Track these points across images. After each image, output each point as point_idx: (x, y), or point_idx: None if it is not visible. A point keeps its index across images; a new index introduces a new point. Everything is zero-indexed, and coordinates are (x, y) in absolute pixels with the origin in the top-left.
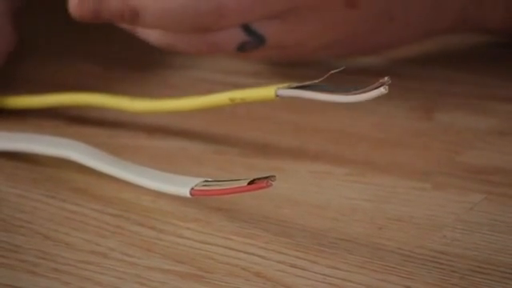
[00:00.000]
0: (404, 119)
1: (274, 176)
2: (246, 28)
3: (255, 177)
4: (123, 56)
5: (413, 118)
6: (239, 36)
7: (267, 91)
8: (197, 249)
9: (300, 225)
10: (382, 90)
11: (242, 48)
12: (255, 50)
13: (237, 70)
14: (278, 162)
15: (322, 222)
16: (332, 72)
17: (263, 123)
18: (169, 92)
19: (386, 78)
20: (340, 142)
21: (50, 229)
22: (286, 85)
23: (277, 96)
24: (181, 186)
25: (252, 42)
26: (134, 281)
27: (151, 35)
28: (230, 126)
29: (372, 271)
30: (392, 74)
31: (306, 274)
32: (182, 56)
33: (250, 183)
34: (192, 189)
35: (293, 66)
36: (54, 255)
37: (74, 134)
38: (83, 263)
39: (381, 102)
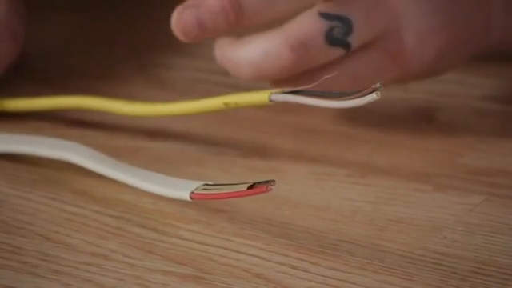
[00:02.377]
0: (405, 121)
1: (274, 180)
2: (324, 15)
3: (255, 180)
4: (122, 57)
5: (413, 119)
6: (321, 23)
7: (261, 96)
8: (197, 250)
9: (301, 226)
10: (374, 96)
11: (330, 36)
12: (346, 37)
13: None
14: (279, 164)
15: (323, 223)
16: (325, 77)
17: (264, 125)
18: (166, 93)
19: (378, 84)
20: (340, 143)
21: (51, 230)
22: (279, 89)
23: (270, 101)
24: (181, 189)
25: (338, 25)
26: (134, 282)
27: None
28: (230, 127)
29: (373, 272)
30: None
31: (306, 275)
32: (180, 56)
33: (249, 187)
34: (192, 192)
35: None
36: (55, 257)
37: (74, 136)
38: (84, 265)
39: (381, 103)
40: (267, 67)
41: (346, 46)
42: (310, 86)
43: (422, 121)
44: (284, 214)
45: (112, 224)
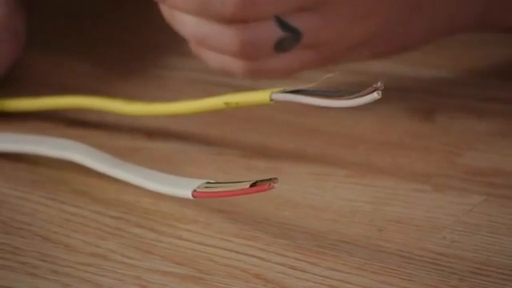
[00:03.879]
0: (404, 121)
1: (276, 178)
2: (280, 22)
3: (257, 179)
4: (122, 57)
5: (413, 119)
6: (275, 31)
7: (262, 95)
8: (196, 250)
9: (300, 226)
10: (376, 95)
11: (279, 46)
12: (293, 48)
13: None
14: (278, 164)
15: (322, 223)
16: (327, 76)
17: (263, 124)
18: (166, 93)
19: (379, 83)
20: (340, 143)
21: (50, 231)
22: (280, 89)
23: (271, 100)
24: (183, 187)
25: (288, 37)
26: (133, 283)
27: (186, 25)
28: (229, 127)
29: (372, 273)
30: (392, 75)
31: (305, 275)
32: (180, 57)
33: (252, 185)
34: (194, 191)
35: None
36: (54, 257)
37: (75, 136)
38: (83, 265)
39: (381, 103)
40: (205, 42)
41: (287, 51)
42: (311, 85)
43: (422, 121)
44: (283, 214)
45: (111, 224)
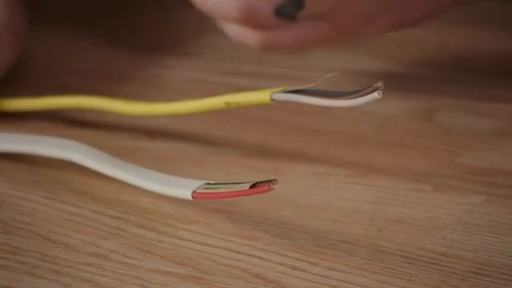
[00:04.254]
0: (405, 121)
1: (276, 180)
2: None
3: (257, 180)
4: (122, 57)
5: (413, 119)
6: None
7: (262, 95)
8: (197, 250)
9: (300, 226)
10: (376, 95)
11: (280, 11)
12: (297, 14)
13: (234, 71)
14: (279, 164)
15: (323, 223)
16: (327, 76)
17: (263, 124)
18: (166, 93)
19: (379, 83)
20: (340, 143)
21: (50, 231)
22: (281, 89)
23: (272, 100)
24: (182, 188)
25: (289, 2)
26: (134, 283)
27: None
28: (229, 127)
29: (372, 273)
30: (392, 75)
31: (306, 275)
32: (180, 57)
33: (251, 187)
34: (194, 192)
35: (290, 68)
36: (54, 257)
37: (75, 136)
38: (83, 265)
39: (381, 103)
40: (214, 13)
41: (292, 19)
42: (312, 85)
43: (422, 121)
44: (284, 214)
45: (111, 224)
